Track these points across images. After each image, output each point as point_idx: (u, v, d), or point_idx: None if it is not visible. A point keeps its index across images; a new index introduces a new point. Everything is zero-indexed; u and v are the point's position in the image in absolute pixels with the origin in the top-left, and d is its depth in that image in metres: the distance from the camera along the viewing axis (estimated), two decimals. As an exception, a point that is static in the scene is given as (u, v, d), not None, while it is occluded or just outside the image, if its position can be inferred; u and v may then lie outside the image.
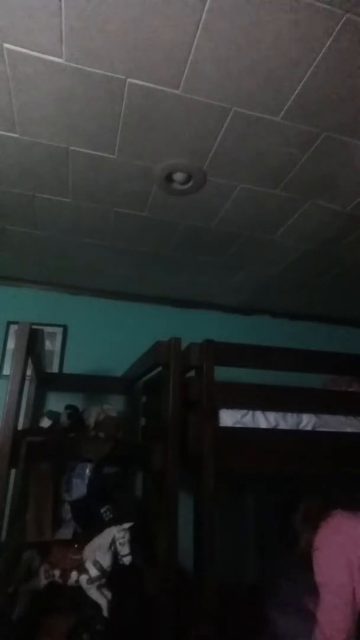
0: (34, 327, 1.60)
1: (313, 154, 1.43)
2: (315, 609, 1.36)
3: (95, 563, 1.49)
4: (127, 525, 1.52)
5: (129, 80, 1.16)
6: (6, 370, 2.35)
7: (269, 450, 1.57)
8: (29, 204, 1.77)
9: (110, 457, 1.75)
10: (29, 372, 1.73)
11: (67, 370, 2.52)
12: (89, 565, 1.49)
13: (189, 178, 1.56)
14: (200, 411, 1.55)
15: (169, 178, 1.57)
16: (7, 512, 1.54)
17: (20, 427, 1.68)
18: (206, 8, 0.97)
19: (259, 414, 1.62)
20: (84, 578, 1.48)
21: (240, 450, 1.56)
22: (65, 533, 1.69)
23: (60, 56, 1.10)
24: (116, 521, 1.58)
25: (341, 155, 1.44)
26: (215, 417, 1.56)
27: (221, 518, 1.64)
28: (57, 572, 1.52)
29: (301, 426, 1.66)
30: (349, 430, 1.71)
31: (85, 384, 2.42)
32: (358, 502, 1.52)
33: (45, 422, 1.96)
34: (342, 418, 1.73)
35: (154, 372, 1.95)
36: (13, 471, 1.56)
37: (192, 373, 1.67)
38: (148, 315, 2.77)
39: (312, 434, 1.66)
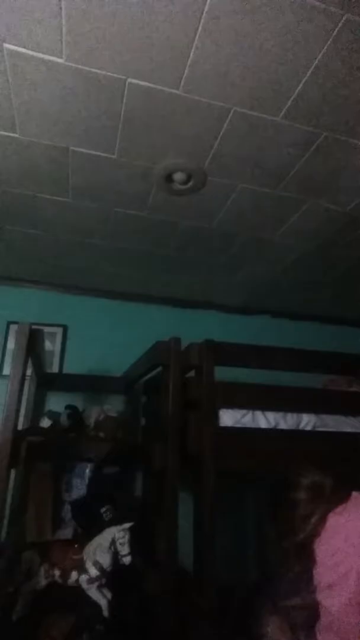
0: (34, 327, 1.60)
1: (313, 154, 1.43)
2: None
3: (95, 563, 1.49)
4: (127, 525, 1.52)
5: (129, 80, 1.16)
6: (6, 370, 2.34)
7: (269, 450, 1.57)
8: (29, 204, 1.77)
9: (110, 457, 1.75)
10: (29, 372, 1.74)
11: (67, 370, 2.52)
12: (89, 565, 1.49)
13: (189, 178, 1.56)
14: (200, 411, 1.55)
15: (169, 178, 1.57)
16: (7, 512, 1.55)
17: (20, 427, 1.68)
18: (206, 8, 0.97)
19: (259, 414, 1.62)
20: (84, 578, 1.48)
21: (240, 450, 1.56)
22: (65, 533, 1.70)
23: (60, 56, 1.10)
24: (116, 521, 1.58)
25: (341, 155, 1.44)
26: (215, 417, 1.56)
27: (221, 518, 1.63)
28: (57, 572, 1.52)
29: (301, 426, 1.66)
30: (349, 430, 1.71)
31: (85, 384, 2.42)
32: None
33: (45, 422, 1.96)
34: (342, 418, 1.74)
35: (154, 372, 1.95)
36: (13, 471, 1.56)
37: (192, 373, 1.67)
38: (148, 315, 2.76)
39: (312, 434, 1.66)
